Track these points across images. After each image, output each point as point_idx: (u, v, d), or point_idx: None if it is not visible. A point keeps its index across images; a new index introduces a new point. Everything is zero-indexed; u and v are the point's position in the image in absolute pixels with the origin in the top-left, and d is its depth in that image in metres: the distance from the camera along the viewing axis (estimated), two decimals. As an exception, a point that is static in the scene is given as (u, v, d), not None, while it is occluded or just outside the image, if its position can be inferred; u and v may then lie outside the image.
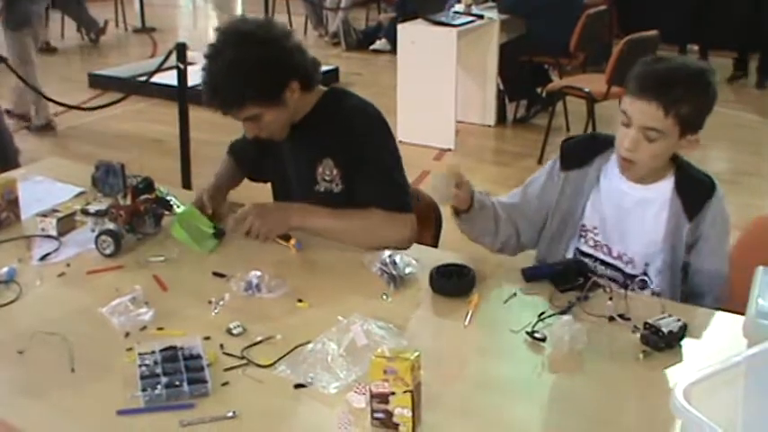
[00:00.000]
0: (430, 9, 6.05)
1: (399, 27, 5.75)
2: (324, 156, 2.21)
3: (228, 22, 2.21)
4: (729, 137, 6.36)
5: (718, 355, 1.65)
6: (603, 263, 2.09)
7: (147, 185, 2.19)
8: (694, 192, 2.00)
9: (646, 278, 2.03)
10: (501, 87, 6.31)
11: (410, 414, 1.40)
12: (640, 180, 2.02)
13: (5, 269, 2.02)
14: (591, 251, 2.11)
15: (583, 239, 2.12)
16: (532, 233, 2.18)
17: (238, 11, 9.22)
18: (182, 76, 4.43)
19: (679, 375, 1.59)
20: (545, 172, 2.18)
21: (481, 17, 5.95)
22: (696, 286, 2.04)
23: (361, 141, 2.11)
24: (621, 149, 1.96)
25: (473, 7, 6.17)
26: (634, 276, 2.04)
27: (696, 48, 8.07)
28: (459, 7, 6.08)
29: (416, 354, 1.41)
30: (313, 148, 2.22)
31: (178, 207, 2.22)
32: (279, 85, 2.14)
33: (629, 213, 2.05)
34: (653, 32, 5.32)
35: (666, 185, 2.01)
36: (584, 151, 2.14)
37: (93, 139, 5.54)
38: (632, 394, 1.56)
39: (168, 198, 2.22)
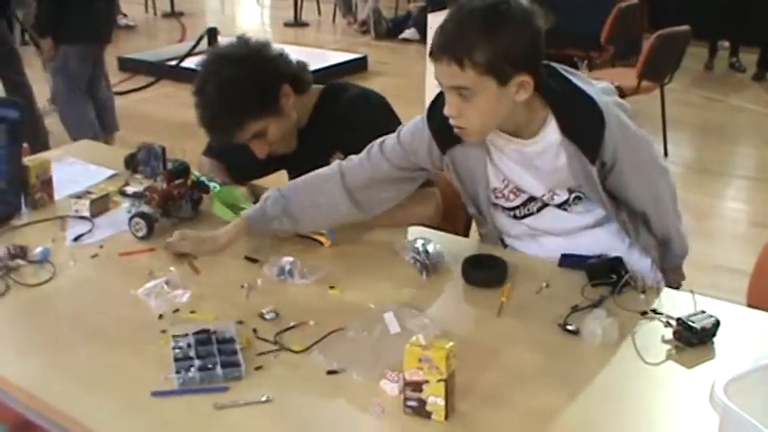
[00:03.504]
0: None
1: (430, 16, 5.71)
2: (333, 152, 2.21)
3: (206, 55, 2.25)
4: (762, 136, 6.31)
5: (751, 352, 1.65)
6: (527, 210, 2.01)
7: (183, 170, 2.20)
8: (584, 132, 1.82)
9: (580, 194, 1.93)
10: (530, 79, 6.28)
11: (443, 402, 1.40)
12: (519, 135, 1.87)
13: (40, 249, 2.04)
14: (515, 204, 2.01)
15: (503, 199, 2.01)
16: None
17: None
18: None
19: (712, 372, 1.58)
20: (425, 147, 1.99)
21: (512, 8, 5.92)
22: (636, 208, 1.95)
23: (365, 132, 2.10)
24: (449, 119, 1.81)
25: (504, -2, 6.15)
26: (566, 201, 1.96)
27: (726, 44, 7.99)
28: (489, -2, 6.05)
29: (451, 343, 1.41)
30: (321, 148, 2.22)
31: (215, 187, 2.24)
32: (271, 93, 2.17)
33: (527, 169, 1.93)
34: (684, 27, 5.28)
35: (551, 132, 1.84)
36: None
37: (122, 123, 5.57)
38: (664, 389, 1.55)
39: (203, 180, 2.24)
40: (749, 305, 2.03)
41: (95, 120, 5.05)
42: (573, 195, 1.94)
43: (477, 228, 2.12)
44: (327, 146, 2.22)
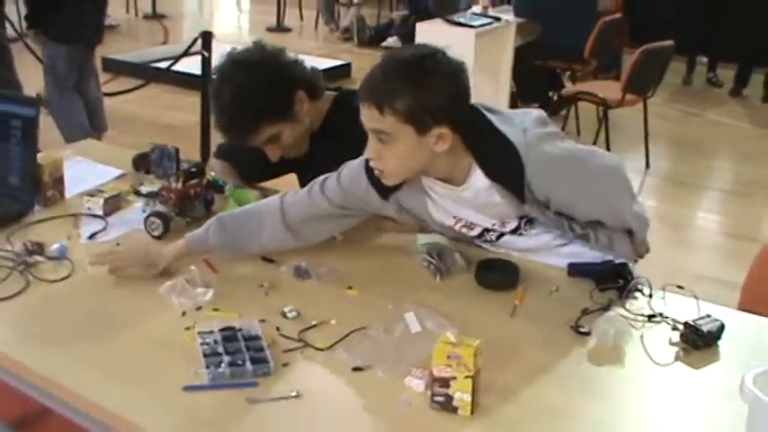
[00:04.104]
0: (446, 9, 6.13)
1: (418, 26, 5.80)
2: (343, 157, 2.24)
3: (221, 58, 2.28)
4: (738, 150, 6.47)
5: (753, 354, 1.73)
6: (485, 239, 2.07)
7: (199, 171, 2.24)
8: (507, 176, 1.86)
9: (531, 218, 1.96)
10: (514, 89, 6.39)
11: (470, 398, 1.46)
12: (449, 181, 1.92)
13: (57, 245, 2.07)
14: (472, 235, 2.06)
15: (457, 233, 2.08)
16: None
17: None
18: (206, 63, 4.48)
19: (719, 373, 1.66)
20: (362, 192, 2.02)
21: (498, 19, 6.02)
22: (590, 219, 1.96)
23: None
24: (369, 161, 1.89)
25: (490, 9, 6.25)
26: (518, 227, 2.01)
27: (704, 60, 8.16)
28: (476, 8, 6.15)
29: (478, 341, 1.47)
30: (332, 153, 2.23)
31: (230, 188, 2.29)
32: (285, 98, 2.23)
33: (470, 208, 1.98)
34: (668, 42, 5.41)
35: (478, 179, 1.89)
36: None
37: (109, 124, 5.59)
38: (675, 389, 1.62)
39: (218, 180, 2.29)
40: (740, 309, 2.12)
41: (86, 119, 5.06)
42: (523, 221, 1.99)
43: None
44: (338, 151, 2.26)
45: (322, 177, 2.07)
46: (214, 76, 2.27)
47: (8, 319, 1.81)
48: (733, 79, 7.77)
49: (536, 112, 1.96)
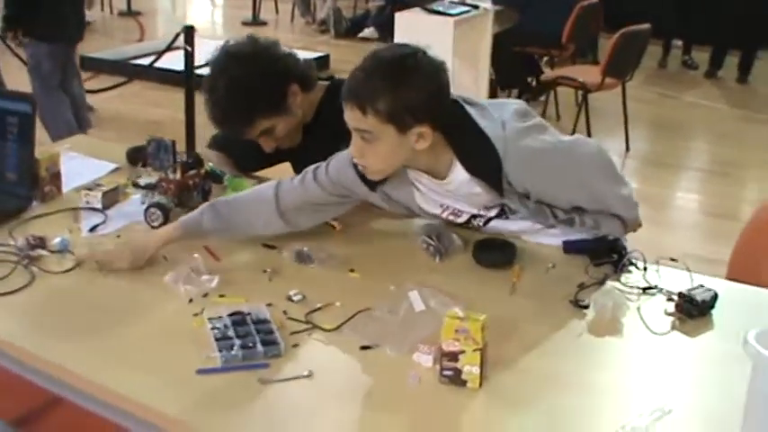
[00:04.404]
0: (423, -1, 6.16)
1: (397, 16, 5.80)
2: (336, 146, 2.28)
3: (215, 50, 2.29)
4: (714, 131, 6.57)
5: (746, 321, 1.79)
6: (473, 225, 2.11)
7: (197, 162, 2.27)
8: (485, 171, 1.90)
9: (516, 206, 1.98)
10: (493, 76, 6.43)
11: (478, 371, 1.51)
12: (432, 175, 1.98)
13: (58, 239, 2.08)
14: (461, 221, 2.11)
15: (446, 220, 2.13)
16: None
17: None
18: (189, 58, 4.49)
19: (714, 340, 1.73)
20: (350, 182, 2.06)
21: (476, 7, 6.05)
22: (573, 206, 2.00)
23: None
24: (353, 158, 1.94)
25: (467, -3, 6.28)
26: (502, 212, 2.05)
27: (679, 43, 8.26)
28: (454, -4, 6.18)
29: (485, 315, 1.52)
30: (325, 142, 2.26)
31: (228, 178, 2.33)
32: (280, 92, 2.25)
33: (454, 198, 2.04)
34: (645, 26, 5.48)
35: (459, 173, 1.94)
36: None
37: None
38: (670, 357, 1.68)
39: (216, 170, 2.32)
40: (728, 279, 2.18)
41: (72, 117, 5.07)
42: (506, 206, 2.03)
43: None
44: (331, 140, 2.29)
45: (314, 166, 2.11)
46: (206, 70, 2.29)
47: (17, 312, 1.83)
48: (708, 61, 7.88)
49: (515, 104, 1.99)
